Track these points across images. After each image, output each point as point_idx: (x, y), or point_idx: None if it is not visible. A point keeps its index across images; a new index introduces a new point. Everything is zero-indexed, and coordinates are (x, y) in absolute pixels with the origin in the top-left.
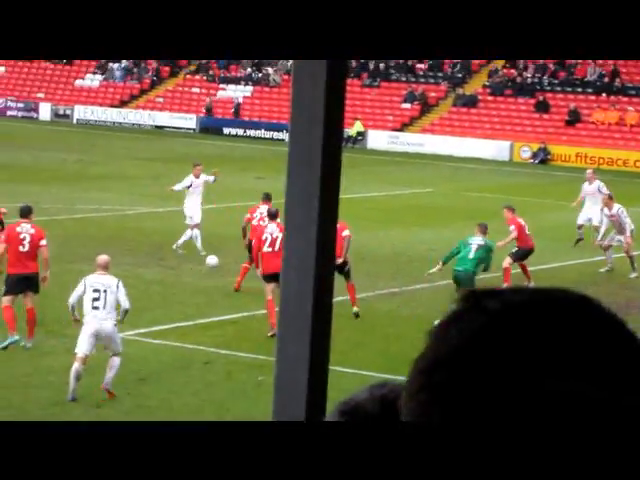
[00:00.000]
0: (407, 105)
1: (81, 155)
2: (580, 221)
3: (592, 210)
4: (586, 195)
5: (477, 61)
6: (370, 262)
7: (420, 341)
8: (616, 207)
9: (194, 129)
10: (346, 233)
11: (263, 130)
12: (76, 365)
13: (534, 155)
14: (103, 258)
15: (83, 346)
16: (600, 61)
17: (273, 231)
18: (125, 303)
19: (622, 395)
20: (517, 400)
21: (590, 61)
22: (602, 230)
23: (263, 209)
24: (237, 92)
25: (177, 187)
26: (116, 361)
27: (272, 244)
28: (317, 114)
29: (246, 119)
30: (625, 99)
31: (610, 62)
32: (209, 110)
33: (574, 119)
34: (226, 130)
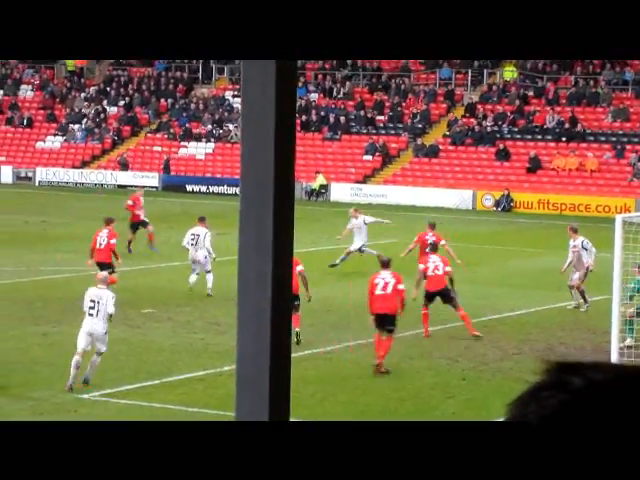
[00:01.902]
0: (369, 157)
1: (44, 217)
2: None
3: (358, 239)
4: (354, 228)
5: (437, 111)
6: (337, 314)
7: (389, 391)
8: (580, 239)
9: (157, 187)
10: (300, 268)
11: (225, 186)
12: (76, 357)
13: (497, 203)
14: (102, 274)
15: (81, 343)
16: (559, 108)
17: (385, 277)
18: (110, 309)
19: None
20: None
21: (549, 108)
22: (566, 264)
23: (435, 258)
24: (199, 149)
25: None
26: (97, 360)
27: (384, 288)
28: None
29: (208, 175)
30: (584, 145)
31: (568, 109)
32: (124, 165)
33: (535, 166)
34: (189, 187)
